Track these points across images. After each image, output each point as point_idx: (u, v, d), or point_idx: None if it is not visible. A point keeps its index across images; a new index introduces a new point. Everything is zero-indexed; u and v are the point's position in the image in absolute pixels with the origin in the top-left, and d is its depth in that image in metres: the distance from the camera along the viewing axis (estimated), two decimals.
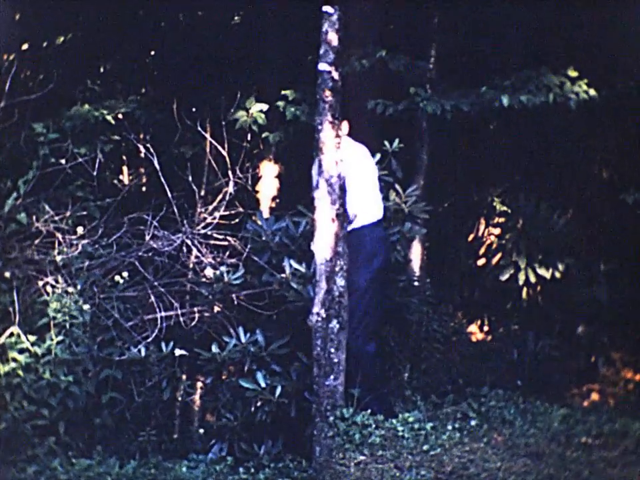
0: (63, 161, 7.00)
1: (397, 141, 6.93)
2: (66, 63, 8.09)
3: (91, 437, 6.27)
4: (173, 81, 8.37)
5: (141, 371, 6.34)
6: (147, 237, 6.74)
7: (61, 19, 8.13)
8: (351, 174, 6.12)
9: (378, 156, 6.83)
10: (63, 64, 8.03)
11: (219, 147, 7.12)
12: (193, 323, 6.56)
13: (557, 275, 8.46)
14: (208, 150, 7.70)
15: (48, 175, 6.87)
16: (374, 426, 5.79)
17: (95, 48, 8.34)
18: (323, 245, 5.98)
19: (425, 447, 5.61)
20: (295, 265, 6.39)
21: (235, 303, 6.63)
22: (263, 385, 6.24)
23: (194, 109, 8.15)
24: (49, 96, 7.16)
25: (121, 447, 6.36)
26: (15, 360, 6.02)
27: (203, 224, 6.86)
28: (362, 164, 6.29)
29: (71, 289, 6.26)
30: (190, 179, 7.10)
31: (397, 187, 6.93)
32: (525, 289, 8.63)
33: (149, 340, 6.36)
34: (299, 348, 6.37)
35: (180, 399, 6.81)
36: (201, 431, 6.83)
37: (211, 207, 6.95)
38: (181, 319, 6.52)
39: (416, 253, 8.07)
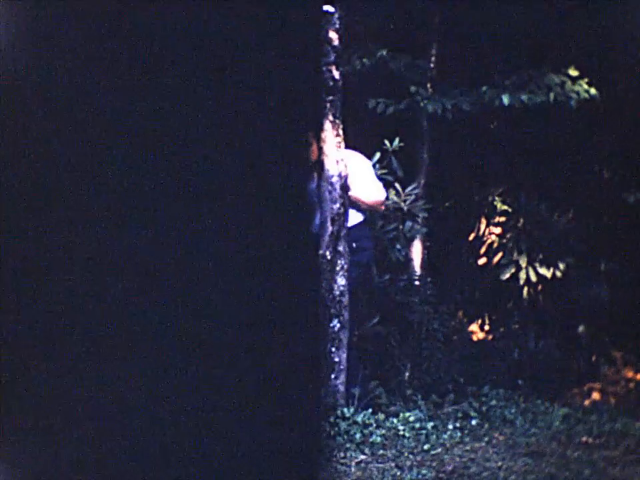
0: None
1: (397, 140, 6.92)
2: None
3: None
4: None
5: None
6: None
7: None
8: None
9: (378, 155, 6.82)
10: None
11: None
12: None
13: (558, 274, 8.45)
14: None
15: None
16: (375, 425, 5.78)
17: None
18: (323, 244, 5.98)
19: (426, 446, 5.60)
20: None
21: None
22: None
23: None
24: None
25: None
26: None
27: None
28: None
29: None
30: None
31: (397, 185, 6.92)
32: (525, 288, 8.62)
33: None
34: None
35: None
36: None
37: None
38: None
39: (416, 252, 8.06)
